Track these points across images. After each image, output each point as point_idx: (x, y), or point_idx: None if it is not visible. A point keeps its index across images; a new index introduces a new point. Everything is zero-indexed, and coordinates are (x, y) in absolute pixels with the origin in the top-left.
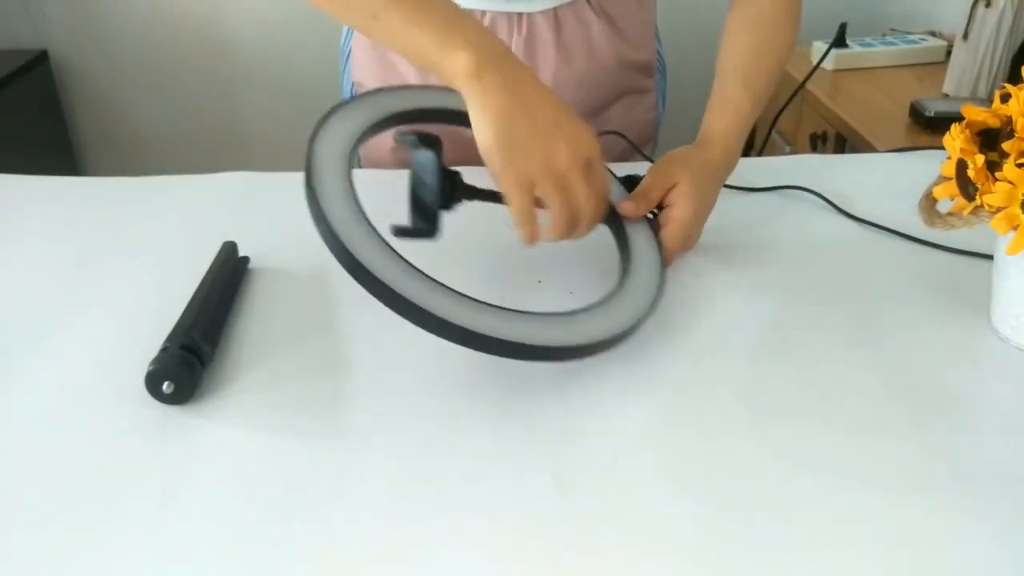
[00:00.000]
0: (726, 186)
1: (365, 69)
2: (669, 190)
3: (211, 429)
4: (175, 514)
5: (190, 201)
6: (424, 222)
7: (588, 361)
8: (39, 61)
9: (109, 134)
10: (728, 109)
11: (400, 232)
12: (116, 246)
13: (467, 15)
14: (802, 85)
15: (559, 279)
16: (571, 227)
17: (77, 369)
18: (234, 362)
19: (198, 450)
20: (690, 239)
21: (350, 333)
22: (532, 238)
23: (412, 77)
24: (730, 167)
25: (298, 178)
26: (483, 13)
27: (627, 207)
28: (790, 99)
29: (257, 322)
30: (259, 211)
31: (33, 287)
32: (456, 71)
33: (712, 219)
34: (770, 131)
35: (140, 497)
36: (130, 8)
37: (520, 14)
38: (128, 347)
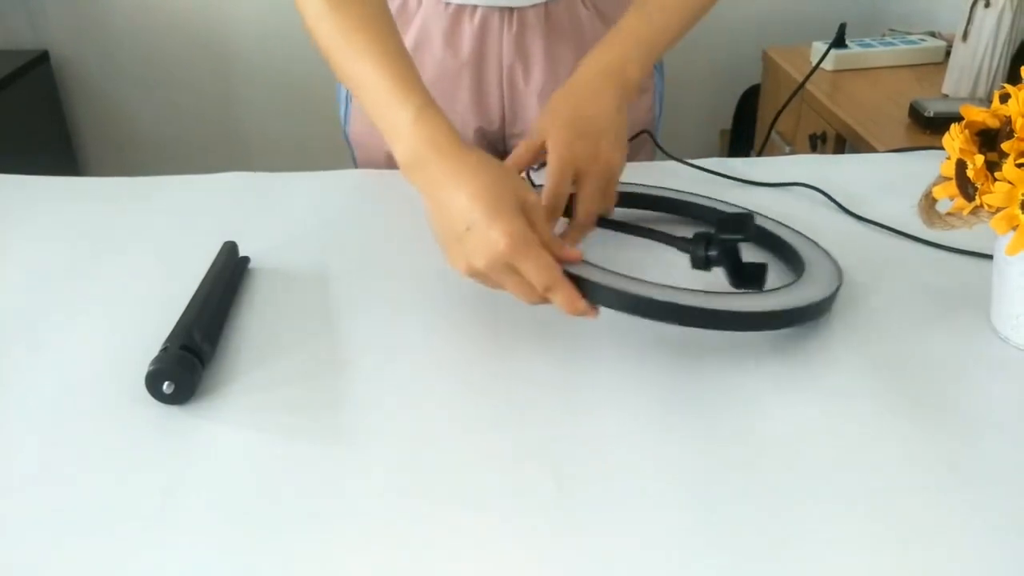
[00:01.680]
0: (733, 178)
1: None
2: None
3: (211, 429)
4: (175, 514)
5: (190, 201)
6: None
7: (590, 361)
8: (40, 61)
9: (109, 134)
10: (636, 35)
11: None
12: (116, 246)
13: (412, 102)
14: (801, 85)
15: None
16: (532, 301)
17: (77, 369)
18: (234, 362)
19: (198, 450)
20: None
21: (350, 333)
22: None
23: None
24: (634, 83)
25: (298, 178)
26: (475, 8)
27: (571, 255)
28: (790, 99)
29: (257, 322)
30: (259, 211)
31: (33, 287)
32: (397, 158)
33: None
34: (770, 131)
35: (140, 497)
36: (130, 8)
37: (512, 9)
38: (128, 347)
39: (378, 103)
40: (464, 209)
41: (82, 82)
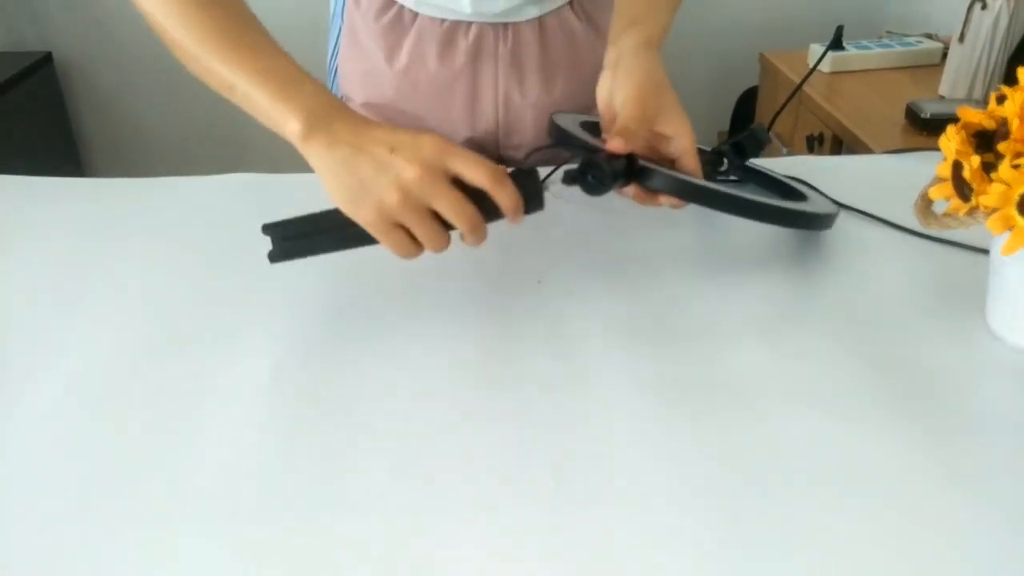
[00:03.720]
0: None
1: (354, 85)
2: (655, 122)
3: (213, 428)
4: (179, 511)
5: (194, 202)
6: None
7: (590, 360)
8: (44, 63)
9: (114, 135)
10: (660, 12)
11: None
12: (120, 246)
13: (308, 79)
14: (799, 87)
15: (559, 279)
16: (469, 219)
17: (81, 367)
18: (239, 358)
19: (200, 449)
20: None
21: (351, 333)
22: (443, 249)
23: (400, 81)
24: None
25: (300, 180)
26: (469, 24)
27: (616, 144)
28: (787, 101)
29: (260, 320)
30: (262, 212)
31: (38, 287)
32: (290, 137)
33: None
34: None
35: (145, 492)
36: (134, 10)
37: (506, 25)
38: (131, 345)
39: (268, 75)
40: (385, 135)
41: (86, 83)
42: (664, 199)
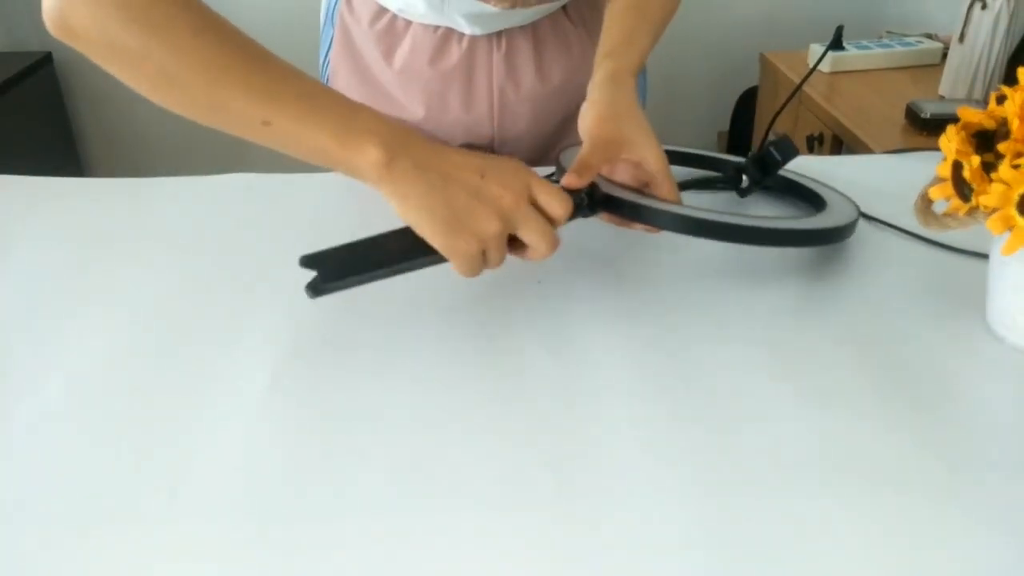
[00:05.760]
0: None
1: (348, 90)
2: (618, 150)
3: (214, 425)
4: (181, 509)
5: (193, 202)
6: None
7: (589, 360)
8: (44, 63)
9: (113, 136)
10: (638, 40)
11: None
12: (119, 247)
13: (359, 104)
14: (799, 87)
15: (559, 279)
16: (550, 242)
17: (81, 367)
18: (239, 358)
19: (204, 445)
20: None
21: (351, 333)
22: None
23: (394, 87)
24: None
25: (299, 179)
26: (462, 36)
27: (570, 180)
28: (787, 101)
29: (260, 321)
30: (261, 212)
31: (37, 287)
32: (366, 166)
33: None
34: (767, 133)
35: (146, 494)
36: None
37: (500, 32)
38: (131, 345)
39: (322, 105)
40: (475, 160)
41: (85, 84)
42: (636, 224)
